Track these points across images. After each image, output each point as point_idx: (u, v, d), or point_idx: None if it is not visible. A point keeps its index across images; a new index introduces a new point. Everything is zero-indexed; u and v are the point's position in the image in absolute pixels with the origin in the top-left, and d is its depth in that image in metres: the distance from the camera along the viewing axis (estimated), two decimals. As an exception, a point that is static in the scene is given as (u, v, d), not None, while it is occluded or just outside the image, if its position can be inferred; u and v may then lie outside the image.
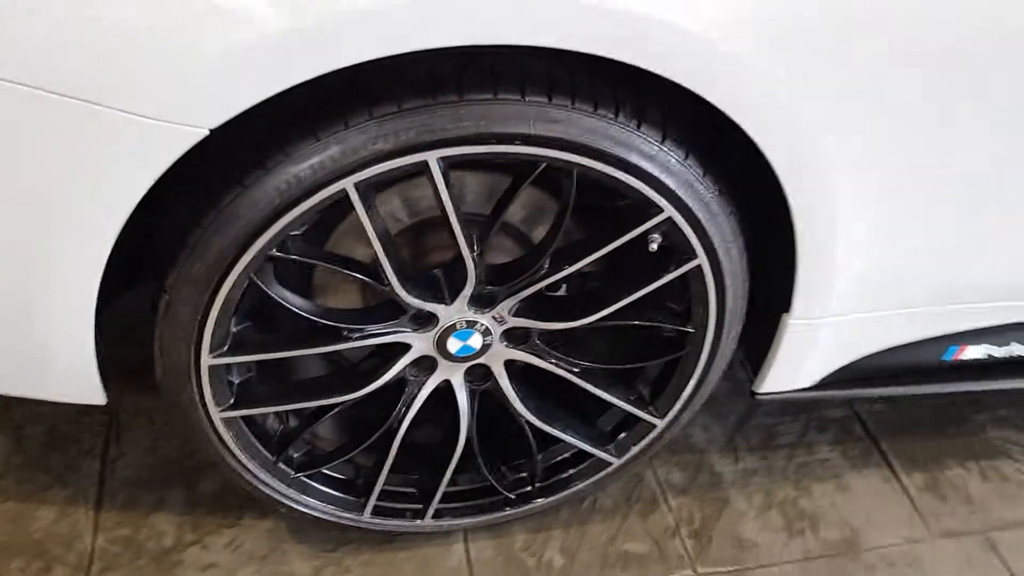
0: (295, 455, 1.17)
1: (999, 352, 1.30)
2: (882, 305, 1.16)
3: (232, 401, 1.06)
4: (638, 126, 0.93)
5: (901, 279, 1.13)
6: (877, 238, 1.05)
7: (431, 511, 1.24)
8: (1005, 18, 0.89)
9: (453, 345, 1.09)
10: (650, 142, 0.94)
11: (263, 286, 0.97)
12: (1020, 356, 1.30)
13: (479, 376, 1.16)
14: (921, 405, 1.54)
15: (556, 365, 1.14)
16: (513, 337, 1.12)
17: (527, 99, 0.89)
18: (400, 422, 1.15)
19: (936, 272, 1.13)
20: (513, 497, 1.26)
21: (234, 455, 1.11)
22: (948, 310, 1.20)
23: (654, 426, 1.21)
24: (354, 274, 1.00)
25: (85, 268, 0.91)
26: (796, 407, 1.53)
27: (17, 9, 0.75)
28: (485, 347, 1.11)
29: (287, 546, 1.27)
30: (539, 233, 1.14)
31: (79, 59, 0.77)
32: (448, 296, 1.05)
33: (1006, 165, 1.01)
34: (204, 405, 1.05)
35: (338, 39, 0.78)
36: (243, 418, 1.09)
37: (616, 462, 1.24)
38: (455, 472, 1.21)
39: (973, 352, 1.29)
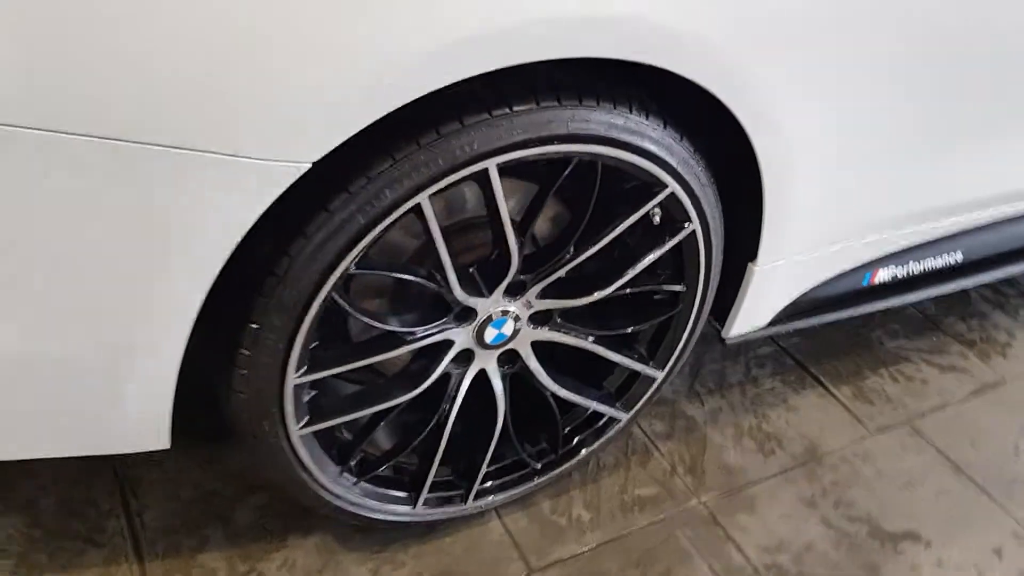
0: (353, 463, 1.25)
1: (901, 272, 1.58)
2: (822, 243, 1.40)
3: (308, 418, 1.13)
4: (646, 117, 1.10)
5: (838, 218, 1.37)
6: (823, 186, 1.28)
7: (473, 494, 1.35)
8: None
9: (490, 335, 1.22)
10: (656, 129, 1.11)
11: (344, 303, 1.06)
12: (917, 272, 1.59)
13: (508, 360, 1.29)
14: (835, 329, 1.81)
15: (576, 337, 1.29)
16: (538, 319, 1.26)
17: (563, 104, 1.04)
18: (447, 416, 1.26)
19: (865, 209, 1.38)
20: (539, 467, 1.40)
21: (308, 471, 1.18)
22: (870, 241, 1.45)
23: (655, 379, 1.39)
24: (419, 280, 1.11)
25: (184, 310, 0.97)
26: (735, 351, 1.76)
27: (136, 71, 0.81)
28: (516, 332, 1.24)
29: (339, 556, 1.34)
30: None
31: (178, 107, 0.83)
32: (486, 289, 1.17)
33: (917, 120, 1.27)
34: (285, 426, 1.11)
35: (430, 66, 0.89)
36: (313, 433, 1.16)
37: (625, 417, 1.41)
38: (483, 454, 1.33)
39: (882, 276, 1.56)
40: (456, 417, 1.27)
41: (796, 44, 1.09)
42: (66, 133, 0.81)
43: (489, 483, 1.37)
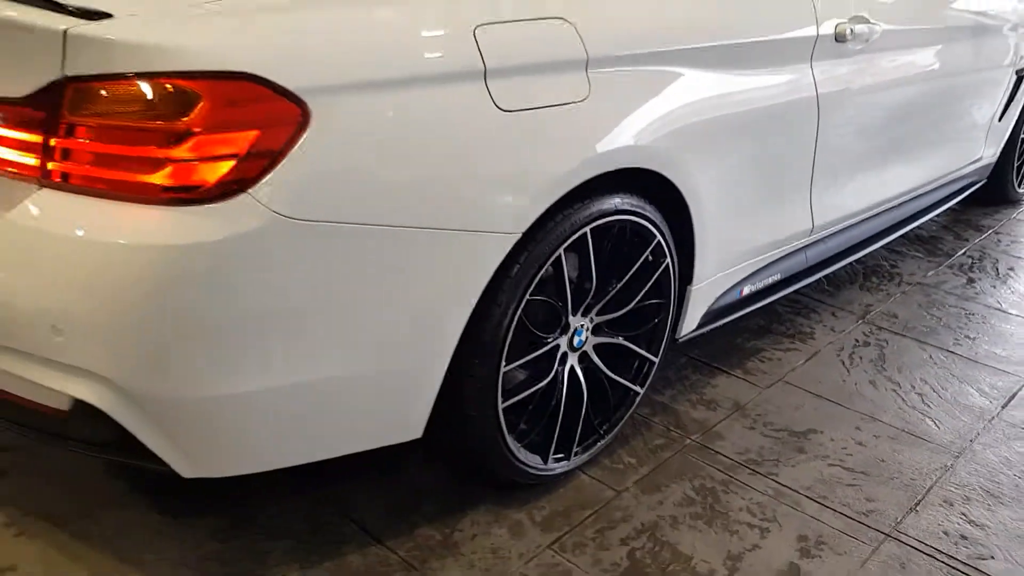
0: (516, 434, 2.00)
1: (753, 288, 2.61)
2: (720, 269, 2.39)
3: (504, 397, 1.89)
4: (643, 198, 2.04)
5: (728, 252, 2.37)
6: (719, 232, 2.28)
7: (573, 452, 2.13)
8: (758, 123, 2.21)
9: (575, 341, 2.06)
10: (648, 205, 2.05)
11: (527, 321, 1.86)
12: (760, 288, 2.62)
13: (582, 360, 2.12)
14: (716, 338, 2.79)
15: (615, 339, 2.15)
16: (595, 330, 2.11)
17: (613, 193, 1.95)
18: (560, 399, 2.05)
19: (737, 246, 2.40)
20: (602, 432, 2.20)
21: (504, 437, 1.92)
22: (739, 268, 2.47)
23: (655, 362, 2.27)
24: (555, 303, 1.94)
25: (455, 335, 1.74)
26: (665, 365, 2.68)
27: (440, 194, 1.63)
28: (585, 339, 2.09)
29: (505, 513, 2.03)
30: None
31: (460, 205, 1.66)
32: (574, 311, 2.02)
33: (758, 193, 2.34)
34: (496, 402, 1.87)
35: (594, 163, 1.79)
36: (503, 409, 1.91)
37: (641, 391, 2.27)
38: (576, 424, 2.12)
39: (746, 290, 2.58)
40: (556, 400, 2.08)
41: (705, 156, 2.11)
42: (400, 227, 1.60)
43: (577, 447, 2.16)
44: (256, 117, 1.44)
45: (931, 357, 2.84)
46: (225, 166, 1.43)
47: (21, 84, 1.45)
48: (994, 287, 3.39)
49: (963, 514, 2.13)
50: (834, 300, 3.20)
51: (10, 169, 1.49)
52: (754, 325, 2.96)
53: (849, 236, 3.01)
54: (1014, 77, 3.62)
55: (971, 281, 3.44)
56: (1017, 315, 3.17)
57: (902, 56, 2.89)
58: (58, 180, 1.46)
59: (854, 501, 2.15)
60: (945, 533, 2.06)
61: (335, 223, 1.52)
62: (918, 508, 2.14)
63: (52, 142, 1.44)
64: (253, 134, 1.44)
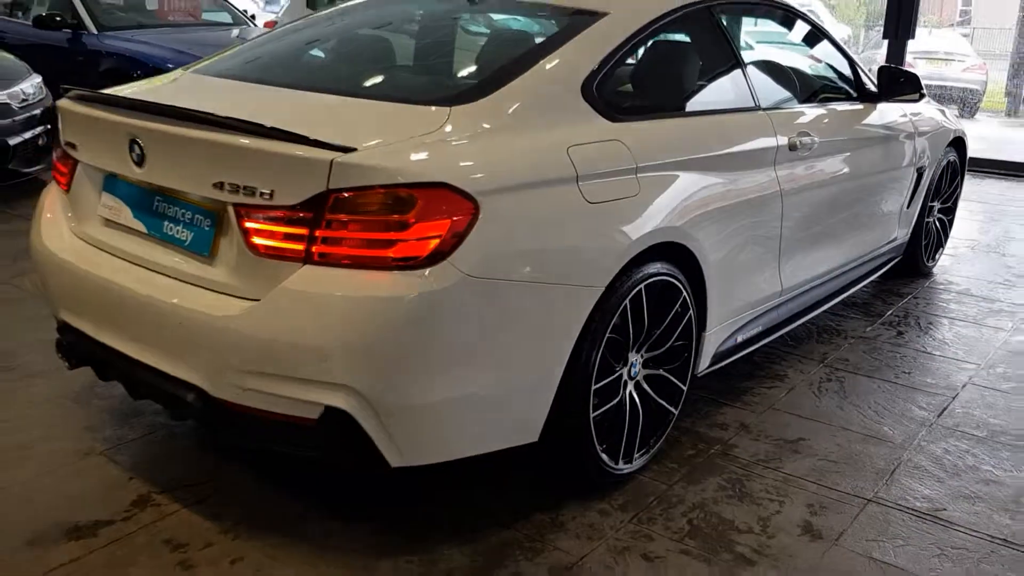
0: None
1: (744, 336, 3.40)
2: (723, 319, 3.18)
3: (591, 409, 2.61)
4: (675, 264, 2.83)
5: (728, 306, 3.17)
6: (722, 289, 3.08)
7: (634, 456, 2.83)
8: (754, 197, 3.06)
9: (632, 371, 2.80)
10: (676, 267, 2.84)
11: (606, 354, 2.60)
12: (748, 337, 3.42)
13: (635, 387, 2.85)
14: (718, 380, 3.56)
15: (656, 370, 2.90)
16: (644, 363, 2.86)
17: (656, 262, 2.74)
18: (626, 415, 2.77)
19: (734, 302, 3.20)
20: (652, 442, 2.92)
21: (594, 442, 2.62)
22: (738, 318, 3.26)
23: (683, 390, 3.02)
24: (621, 340, 2.68)
25: (564, 359, 2.47)
26: (685, 402, 3.42)
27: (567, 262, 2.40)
28: (639, 371, 2.83)
29: (586, 505, 2.72)
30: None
31: (569, 266, 2.43)
32: (632, 349, 2.77)
33: (746, 260, 3.16)
34: (589, 411, 2.58)
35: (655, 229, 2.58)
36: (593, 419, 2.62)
37: (676, 412, 3.00)
38: (635, 434, 2.84)
39: (740, 338, 3.37)
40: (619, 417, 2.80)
41: (711, 234, 2.94)
42: (535, 281, 2.36)
43: (638, 453, 2.86)
44: (449, 210, 2.19)
45: (879, 387, 3.66)
46: (433, 243, 2.17)
47: (293, 196, 2.18)
48: (919, 337, 4.27)
49: (920, 484, 2.90)
50: (798, 351, 4.02)
51: (280, 254, 2.20)
52: (742, 371, 3.74)
53: (805, 299, 3.85)
54: (915, 173, 4.60)
55: (900, 333, 4.31)
56: (940, 355, 4.04)
57: (834, 160, 3.82)
58: (317, 259, 2.17)
59: (842, 481, 2.90)
60: (911, 496, 2.82)
61: (497, 279, 2.26)
62: (888, 482, 2.90)
63: (316, 233, 2.17)
64: (448, 221, 2.19)
